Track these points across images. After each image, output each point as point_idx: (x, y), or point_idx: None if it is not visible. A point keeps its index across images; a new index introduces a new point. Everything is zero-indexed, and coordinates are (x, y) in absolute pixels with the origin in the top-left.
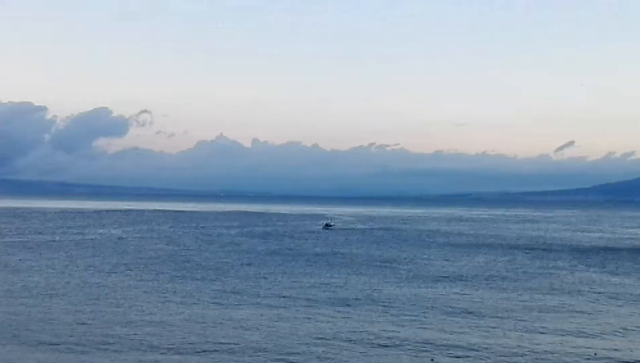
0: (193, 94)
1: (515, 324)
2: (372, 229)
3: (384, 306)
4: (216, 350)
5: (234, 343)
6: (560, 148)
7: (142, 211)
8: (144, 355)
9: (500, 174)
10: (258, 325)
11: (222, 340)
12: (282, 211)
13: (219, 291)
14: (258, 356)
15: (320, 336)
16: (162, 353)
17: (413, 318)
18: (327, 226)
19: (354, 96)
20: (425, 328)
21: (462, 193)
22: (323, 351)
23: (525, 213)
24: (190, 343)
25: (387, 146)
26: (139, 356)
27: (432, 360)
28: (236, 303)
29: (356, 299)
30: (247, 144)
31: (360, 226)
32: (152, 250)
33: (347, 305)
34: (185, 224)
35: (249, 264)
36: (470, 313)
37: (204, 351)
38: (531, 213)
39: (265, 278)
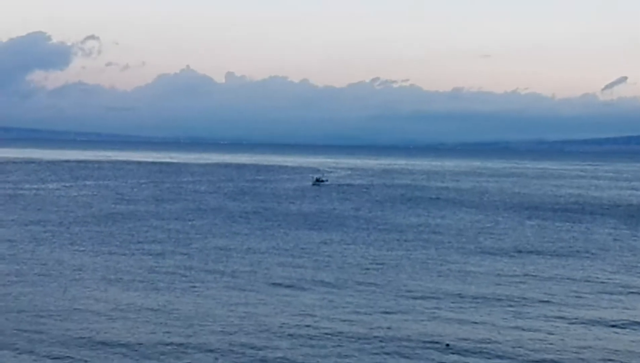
0: (152, 16)
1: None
2: (373, 186)
3: (385, 286)
4: (166, 347)
5: (189, 337)
6: (609, 86)
7: (87, 162)
8: (80, 351)
9: (534, 118)
10: (221, 315)
11: (173, 334)
12: (262, 163)
13: (176, 270)
14: (214, 355)
15: (301, 331)
16: (96, 349)
17: (425, 306)
18: (318, 181)
19: (353, 16)
20: (438, 315)
21: (486, 141)
22: (301, 351)
23: (565, 166)
24: (136, 339)
25: (394, 82)
26: (75, 352)
27: (447, 344)
28: (196, 285)
29: (350, 279)
30: (220, 78)
31: (358, 181)
32: (97, 213)
33: (338, 286)
34: (141, 180)
35: (218, 231)
36: (502, 299)
37: (151, 346)
38: (572, 166)
39: (238, 250)
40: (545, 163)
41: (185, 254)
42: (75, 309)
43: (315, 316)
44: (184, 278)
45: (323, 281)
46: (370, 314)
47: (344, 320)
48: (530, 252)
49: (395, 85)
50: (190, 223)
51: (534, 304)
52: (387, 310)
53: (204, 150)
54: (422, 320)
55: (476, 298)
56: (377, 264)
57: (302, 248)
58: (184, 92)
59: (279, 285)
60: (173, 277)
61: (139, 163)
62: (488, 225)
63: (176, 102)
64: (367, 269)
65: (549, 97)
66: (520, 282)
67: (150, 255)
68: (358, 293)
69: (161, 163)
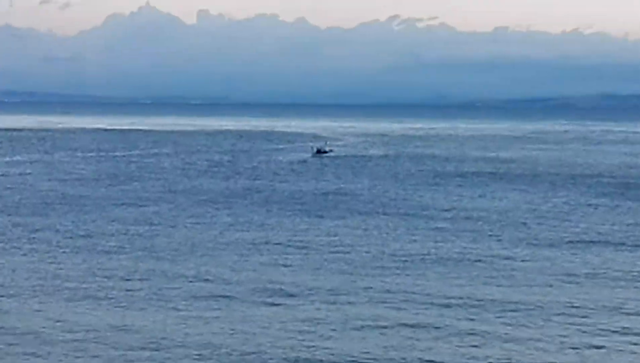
0: None
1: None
2: (391, 157)
3: (408, 293)
4: None
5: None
6: None
7: (18, 130)
8: None
9: (601, 66)
10: (194, 334)
11: (132, 361)
12: (246, 129)
13: (135, 273)
14: None
15: (299, 354)
16: None
17: (461, 318)
18: (320, 152)
19: None
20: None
21: (538, 96)
22: None
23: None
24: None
25: (419, 20)
26: None
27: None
28: (162, 294)
29: (361, 283)
30: (190, 19)
31: (372, 151)
32: (30, 199)
33: (346, 293)
34: (89, 154)
35: (190, 220)
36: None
37: None
38: None
39: (216, 245)
40: (615, 123)
41: (148, 252)
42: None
43: (316, 334)
44: (145, 285)
45: (326, 287)
46: (389, 331)
47: (355, 339)
48: (597, 242)
49: (420, 25)
50: (153, 209)
51: (603, 313)
52: (412, 324)
53: (171, 113)
54: (459, 337)
55: (528, 306)
56: (396, 262)
57: (299, 242)
58: (143, 37)
59: (270, 292)
60: (131, 284)
61: (86, 130)
62: (542, 208)
63: (133, 50)
64: (384, 269)
65: (620, 38)
66: (586, 283)
67: (102, 254)
68: (372, 303)
69: (115, 131)
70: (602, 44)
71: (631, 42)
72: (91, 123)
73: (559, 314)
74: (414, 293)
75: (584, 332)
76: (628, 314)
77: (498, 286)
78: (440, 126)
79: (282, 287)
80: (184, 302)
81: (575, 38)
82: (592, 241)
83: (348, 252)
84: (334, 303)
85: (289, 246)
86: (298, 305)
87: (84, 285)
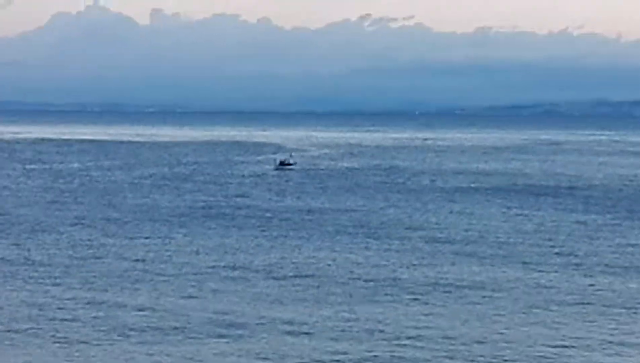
0: None
1: None
2: (361, 170)
3: (376, 326)
4: None
5: None
6: None
7: None
8: None
9: (592, 70)
10: None
11: None
12: (203, 139)
13: (75, 305)
14: None
15: None
16: None
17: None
18: (283, 165)
19: None
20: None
21: (524, 102)
22: None
23: (638, 138)
24: None
25: (393, 20)
26: None
27: None
28: (100, 331)
29: (324, 316)
30: (143, 19)
31: (340, 164)
32: None
33: (308, 327)
34: (29, 166)
35: (139, 239)
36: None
37: None
38: None
39: (165, 268)
40: (608, 132)
41: (90, 279)
42: None
43: None
44: (88, 316)
45: (286, 318)
46: None
47: None
48: (581, 265)
49: (394, 25)
50: (99, 230)
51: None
52: (377, 360)
53: (122, 121)
54: None
55: (506, 337)
56: (363, 288)
57: (258, 266)
58: (91, 39)
59: (225, 324)
60: (72, 315)
61: (26, 141)
62: (524, 226)
63: (80, 53)
64: (349, 297)
65: (612, 39)
66: (568, 310)
67: (38, 282)
68: (335, 337)
69: (59, 141)
70: (594, 45)
71: (624, 44)
72: (32, 133)
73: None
74: (380, 323)
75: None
76: (620, 345)
77: (476, 317)
78: (416, 135)
79: (239, 318)
80: (129, 336)
81: (564, 39)
82: (576, 264)
83: (311, 276)
84: (295, 335)
85: (247, 269)
86: (254, 337)
87: (18, 318)
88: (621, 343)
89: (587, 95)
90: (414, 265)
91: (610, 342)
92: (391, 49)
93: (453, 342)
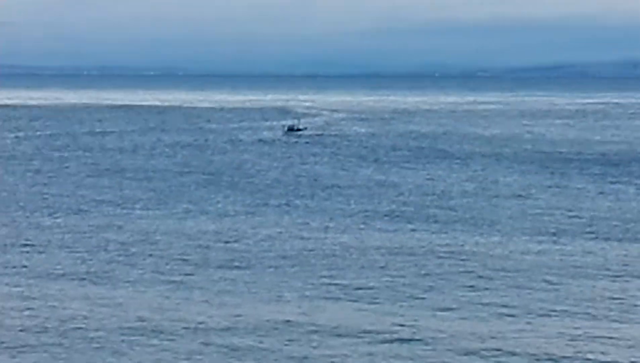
0: None
1: None
2: (375, 136)
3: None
4: None
5: None
6: None
7: None
8: None
9: (623, 28)
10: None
11: None
12: (206, 103)
13: (64, 276)
14: None
15: None
16: None
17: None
18: (291, 130)
19: None
20: None
21: (549, 63)
22: None
23: None
24: None
25: None
26: None
27: None
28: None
29: (340, 298)
30: None
31: (353, 129)
32: None
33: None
34: (23, 133)
35: (138, 211)
36: None
37: None
38: None
39: (164, 239)
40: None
41: (85, 253)
42: None
43: None
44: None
45: (296, 298)
46: None
47: None
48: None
49: None
50: (97, 197)
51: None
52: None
53: (121, 85)
54: None
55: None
56: (382, 267)
57: (267, 238)
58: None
59: (228, 294)
60: (62, 310)
61: (21, 107)
62: (557, 191)
63: (75, 12)
64: (365, 279)
65: None
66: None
67: (21, 252)
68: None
69: (54, 106)
70: (626, 1)
71: None
72: (27, 99)
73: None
74: (405, 310)
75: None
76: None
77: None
78: (433, 99)
79: (243, 295)
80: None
81: None
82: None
83: (319, 251)
84: (298, 327)
85: (255, 241)
86: (248, 324)
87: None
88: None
89: (619, 55)
90: (436, 235)
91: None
92: (403, 7)
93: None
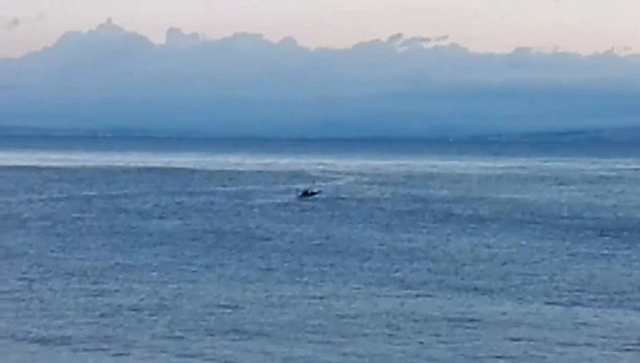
0: None
1: None
2: (393, 200)
3: None
4: None
5: None
6: None
7: None
8: None
9: (639, 93)
10: None
11: None
12: (221, 167)
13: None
14: None
15: None
16: None
17: None
18: (307, 194)
19: None
20: None
21: (566, 129)
22: None
23: None
24: None
25: (426, 40)
26: None
27: None
28: None
29: None
30: (159, 38)
31: (369, 193)
32: None
33: None
34: (36, 195)
35: (146, 275)
36: None
37: None
38: None
39: (176, 305)
40: None
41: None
42: None
43: None
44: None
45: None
46: None
47: None
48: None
49: (427, 45)
50: (104, 259)
51: None
52: None
53: (134, 147)
54: None
55: None
56: (391, 334)
57: (277, 304)
58: (103, 59)
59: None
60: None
61: (34, 169)
62: (570, 258)
63: (91, 75)
64: (375, 345)
65: None
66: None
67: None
68: None
69: (69, 169)
70: None
71: None
72: (40, 161)
73: None
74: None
75: None
76: None
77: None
78: (451, 163)
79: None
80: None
81: (610, 61)
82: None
83: (342, 321)
84: None
85: (272, 308)
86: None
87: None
88: None
89: (635, 121)
90: (458, 303)
91: None
92: (424, 71)
93: None
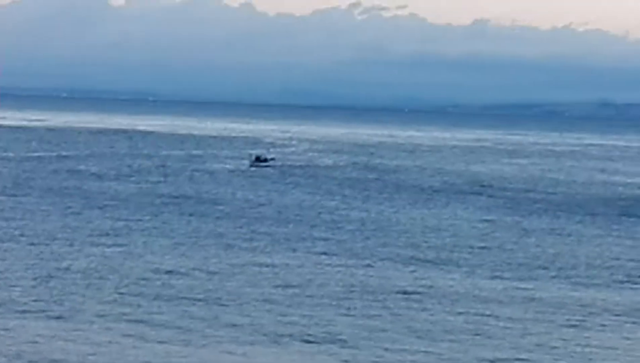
0: None
1: None
2: (346, 168)
3: None
4: None
5: None
6: None
7: None
8: None
9: (595, 69)
10: None
11: None
12: (175, 130)
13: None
14: None
15: None
16: None
17: None
18: (259, 161)
19: None
20: None
21: (522, 101)
22: None
23: None
24: None
25: (384, 9)
26: None
27: None
28: None
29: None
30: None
31: (323, 161)
32: None
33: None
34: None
35: (85, 238)
36: None
37: None
38: None
39: (108, 270)
40: (613, 136)
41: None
42: None
43: None
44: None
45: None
46: None
47: None
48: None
49: (386, 14)
50: (55, 222)
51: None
52: None
53: (91, 109)
54: None
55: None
56: (337, 303)
57: (232, 274)
58: (61, 19)
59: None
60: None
61: None
62: (528, 237)
63: (50, 34)
64: (321, 314)
65: (619, 36)
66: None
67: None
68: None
69: (25, 128)
70: (599, 43)
71: (632, 42)
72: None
73: None
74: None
75: None
76: None
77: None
78: (406, 133)
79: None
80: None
81: (568, 35)
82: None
83: (274, 282)
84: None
85: (214, 279)
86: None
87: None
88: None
89: (591, 96)
90: (403, 275)
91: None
92: (382, 40)
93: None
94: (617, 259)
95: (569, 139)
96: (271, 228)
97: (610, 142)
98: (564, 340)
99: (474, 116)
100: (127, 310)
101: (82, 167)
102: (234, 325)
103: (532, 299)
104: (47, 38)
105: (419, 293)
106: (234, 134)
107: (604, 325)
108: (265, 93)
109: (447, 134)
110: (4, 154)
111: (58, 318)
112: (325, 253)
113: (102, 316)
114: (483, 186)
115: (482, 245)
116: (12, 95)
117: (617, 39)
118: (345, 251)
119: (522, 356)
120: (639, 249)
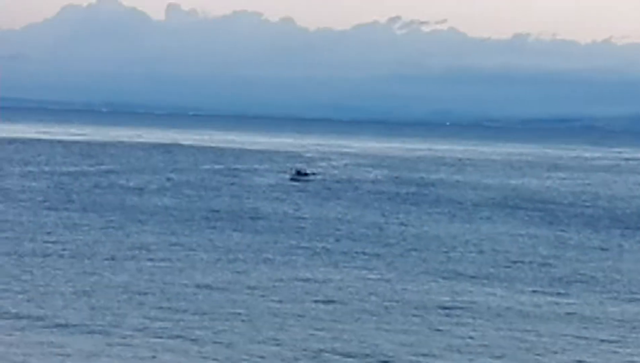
0: None
1: None
2: (387, 183)
3: None
4: None
5: None
6: None
7: None
8: None
9: (635, 82)
10: None
11: None
12: (216, 144)
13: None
14: None
15: None
16: None
17: None
18: (300, 174)
19: None
20: None
21: (561, 115)
22: None
23: None
24: None
25: (424, 23)
26: None
27: None
28: None
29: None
30: (158, 14)
31: (364, 176)
32: None
33: None
34: (28, 166)
35: (130, 255)
36: None
37: None
38: None
39: (157, 291)
40: None
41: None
42: None
43: None
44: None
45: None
46: None
47: None
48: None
49: (425, 28)
50: (96, 235)
51: None
52: None
53: (131, 123)
54: None
55: None
56: (377, 315)
57: (274, 288)
58: (102, 34)
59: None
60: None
61: (29, 141)
62: (570, 252)
63: (90, 48)
64: (359, 325)
65: None
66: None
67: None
68: None
69: (64, 142)
70: (639, 56)
71: None
72: (36, 133)
73: None
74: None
75: None
76: None
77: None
78: (445, 147)
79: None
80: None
81: (608, 49)
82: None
83: (316, 298)
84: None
85: (257, 295)
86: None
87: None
88: None
89: (630, 110)
90: (423, 286)
91: None
92: (421, 54)
93: None
94: None
95: (609, 153)
96: (311, 242)
97: None
98: (605, 355)
99: (512, 130)
100: (168, 325)
101: (122, 181)
102: (275, 340)
103: (573, 314)
104: (87, 53)
105: (459, 308)
106: (274, 149)
107: None
108: (305, 108)
109: (486, 148)
110: (45, 168)
111: (99, 333)
112: (365, 268)
113: (142, 330)
114: (523, 200)
115: (523, 259)
116: (52, 110)
117: None
118: (386, 265)
119: None
120: None
